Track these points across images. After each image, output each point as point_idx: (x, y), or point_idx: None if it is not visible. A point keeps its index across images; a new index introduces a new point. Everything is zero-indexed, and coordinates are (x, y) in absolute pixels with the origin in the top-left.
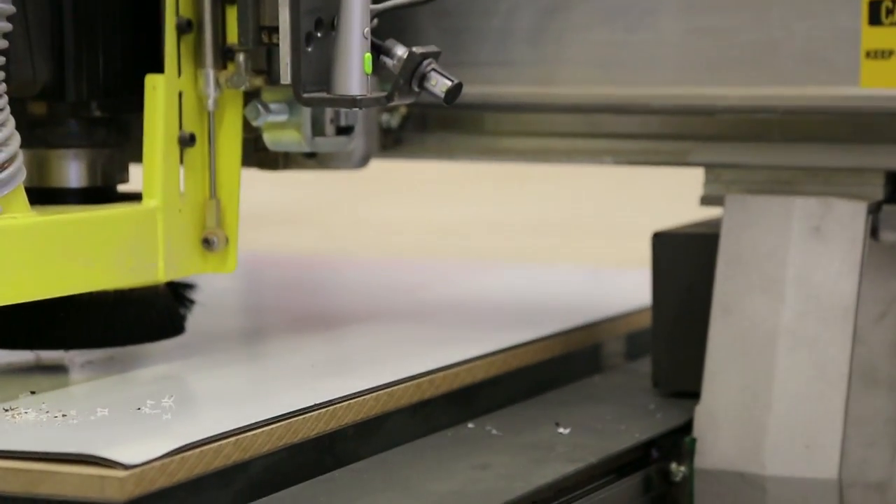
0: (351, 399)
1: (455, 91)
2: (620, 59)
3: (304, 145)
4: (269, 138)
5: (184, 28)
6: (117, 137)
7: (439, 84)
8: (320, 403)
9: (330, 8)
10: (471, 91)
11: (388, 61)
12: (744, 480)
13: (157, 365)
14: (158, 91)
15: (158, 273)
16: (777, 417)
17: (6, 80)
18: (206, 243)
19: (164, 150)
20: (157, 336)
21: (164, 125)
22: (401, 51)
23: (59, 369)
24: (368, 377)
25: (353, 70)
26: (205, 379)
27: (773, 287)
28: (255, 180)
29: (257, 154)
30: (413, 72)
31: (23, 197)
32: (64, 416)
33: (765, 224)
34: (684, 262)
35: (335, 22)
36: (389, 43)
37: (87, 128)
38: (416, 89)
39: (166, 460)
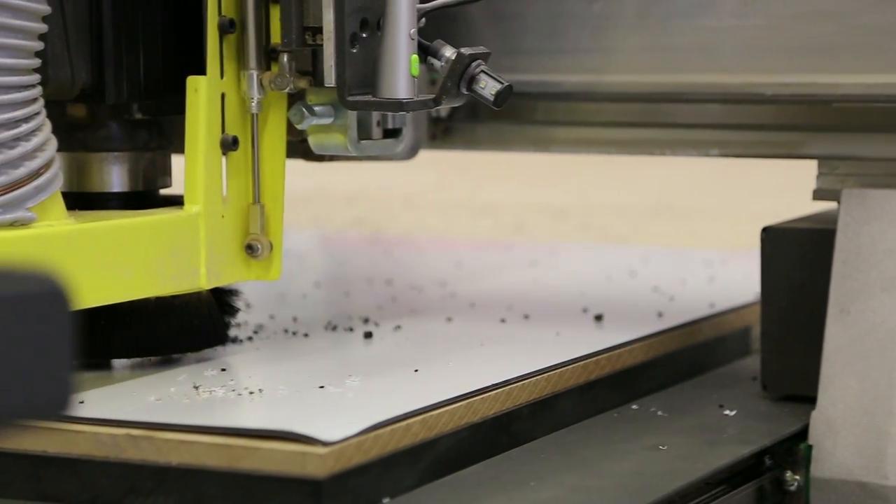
0: (525, 379)
1: (505, 94)
2: (729, 46)
3: (349, 149)
4: (313, 142)
5: (226, 28)
6: (158, 140)
7: (489, 86)
8: (498, 383)
9: (375, 8)
10: (526, 79)
11: (436, 63)
12: (864, 491)
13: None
14: (200, 93)
15: (201, 280)
16: None
17: (43, 83)
18: (250, 250)
19: (206, 153)
20: (201, 345)
21: (206, 128)
22: (449, 52)
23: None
24: (538, 358)
25: (400, 72)
26: (371, 359)
27: (893, 286)
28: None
29: (302, 145)
30: (461, 74)
31: (60, 204)
32: (251, 393)
33: (884, 219)
34: (796, 258)
35: (381, 22)
36: (437, 44)
37: (128, 131)
38: (465, 92)
39: (362, 437)
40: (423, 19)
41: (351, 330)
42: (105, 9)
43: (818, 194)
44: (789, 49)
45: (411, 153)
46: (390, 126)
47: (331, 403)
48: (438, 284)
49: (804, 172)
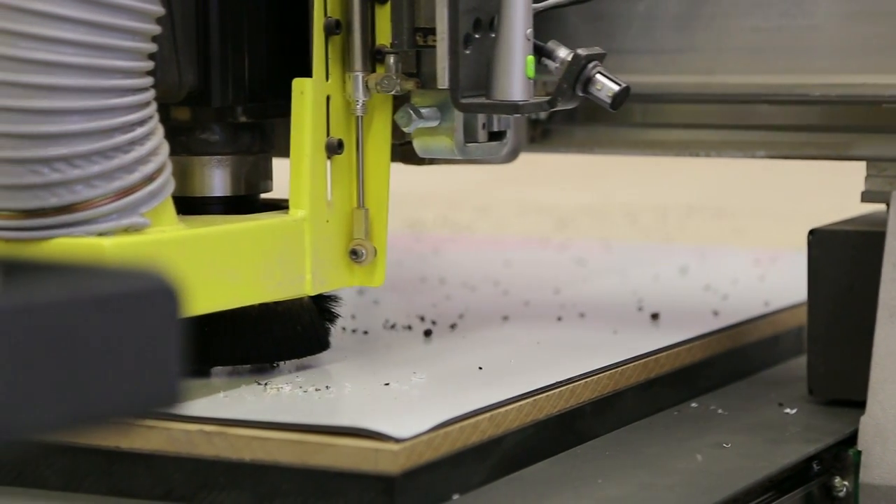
0: (588, 377)
1: (622, 95)
2: (776, 46)
3: (455, 152)
4: (419, 145)
5: (332, 29)
6: (261, 144)
7: (605, 88)
8: (562, 381)
9: (489, 8)
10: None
11: (551, 64)
12: None
13: (376, 342)
14: (306, 95)
15: (306, 287)
16: None
17: (153, 86)
18: (354, 255)
19: (311, 157)
20: (303, 352)
21: (311, 131)
22: (564, 53)
23: None
24: (598, 357)
25: (515, 73)
26: (433, 357)
27: None
28: None
29: (401, 148)
30: (577, 75)
31: (171, 209)
32: (317, 390)
33: None
34: (844, 260)
35: (494, 22)
36: (551, 44)
37: (232, 134)
38: (580, 94)
39: (432, 434)
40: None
41: (409, 328)
42: (212, 10)
43: (867, 196)
44: (837, 49)
45: (512, 156)
46: (496, 129)
47: (399, 401)
48: (491, 283)
49: (854, 174)
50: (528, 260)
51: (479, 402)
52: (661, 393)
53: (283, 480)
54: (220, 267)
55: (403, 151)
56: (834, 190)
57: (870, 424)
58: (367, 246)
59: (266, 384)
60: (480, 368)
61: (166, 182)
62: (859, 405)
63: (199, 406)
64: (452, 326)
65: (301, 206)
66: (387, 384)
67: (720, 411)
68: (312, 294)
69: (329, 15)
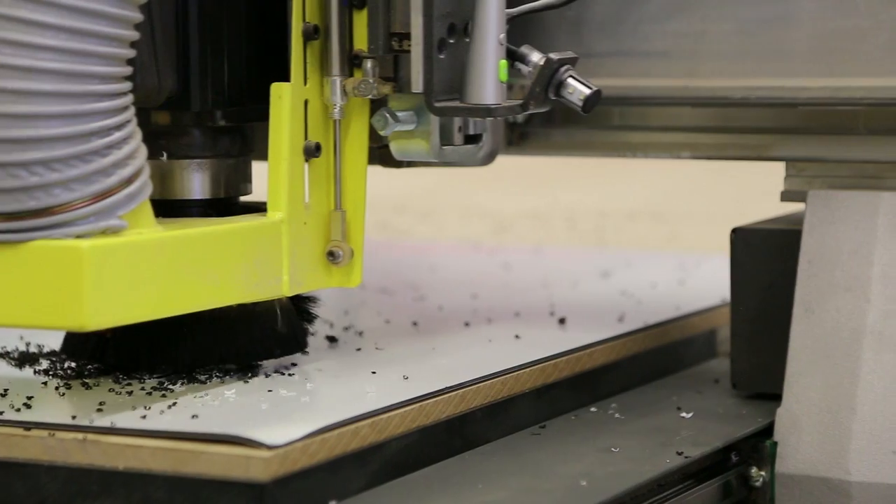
0: (479, 382)
1: (593, 99)
2: (697, 51)
3: (431, 155)
4: (395, 148)
5: (310, 34)
6: (241, 147)
7: (577, 92)
8: (451, 387)
9: (463, 13)
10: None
11: (524, 68)
12: (828, 486)
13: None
14: (284, 100)
15: (283, 288)
16: (862, 421)
17: (132, 91)
18: (331, 256)
19: (289, 160)
20: (281, 352)
21: (289, 135)
22: (536, 57)
23: None
24: (495, 361)
25: (488, 78)
26: (331, 364)
27: (857, 286)
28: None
29: (380, 151)
30: (550, 79)
31: (149, 211)
32: (201, 397)
33: (849, 220)
34: (765, 258)
35: (468, 28)
36: (525, 49)
37: (212, 137)
38: (553, 97)
39: (308, 441)
40: (508, 24)
41: (313, 334)
42: (191, 16)
43: (786, 196)
44: (756, 53)
45: (489, 159)
46: (472, 132)
47: (282, 408)
48: (410, 288)
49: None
50: (454, 265)
51: (364, 408)
52: (561, 397)
53: (156, 488)
54: (197, 268)
55: (381, 154)
56: (769, 193)
57: (785, 416)
58: (345, 247)
59: (151, 391)
60: (374, 373)
61: (144, 185)
62: (780, 398)
63: (79, 414)
64: (361, 333)
65: (279, 209)
66: (270, 391)
67: (617, 416)
68: (290, 295)
69: (307, 20)
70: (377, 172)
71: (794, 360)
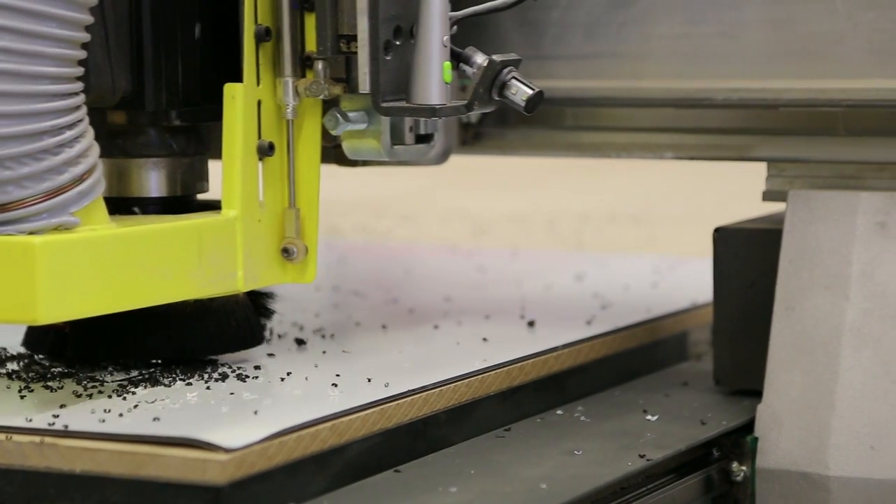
0: (443, 385)
1: (536, 100)
2: (681, 53)
3: (382, 154)
4: (347, 147)
5: (262, 36)
6: (196, 146)
7: (520, 93)
8: (413, 389)
9: (409, 16)
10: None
11: (468, 69)
12: (807, 481)
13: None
14: (237, 100)
15: (238, 283)
16: (841, 417)
17: (85, 91)
18: (286, 253)
19: (243, 159)
20: (238, 346)
21: (242, 134)
22: (480, 59)
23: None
24: (461, 364)
25: (433, 79)
26: (297, 367)
27: (837, 284)
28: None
29: (335, 150)
30: (493, 80)
31: (102, 208)
32: (162, 400)
33: (829, 220)
34: (746, 257)
35: (414, 30)
36: (469, 51)
37: (167, 137)
38: (496, 98)
39: (266, 444)
40: (455, 27)
41: (280, 337)
42: (144, 18)
43: (768, 196)
44: (739, 55)
45: (442, 158)
46: (423, 132)
47: (243, 410)
48: (384, 291)
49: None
50: (430, 268)
51: (324, 410)
52: (527, 400)
53: (113, 492)
54: (150, 264)
55: (337, 153)
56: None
57: (766, 412)
58: (299, 244)
59: (112, 395)
60: (338, 375)
61: (96, 183)
62: (761, 395)
63: (31, 416)
64: (331, 336)
65: (233, 206)
66: (232, 393)
67: (583, 419)
68: (244, 290)
69: (259, 22)
70: (359, 176)
71: (774, 358)
